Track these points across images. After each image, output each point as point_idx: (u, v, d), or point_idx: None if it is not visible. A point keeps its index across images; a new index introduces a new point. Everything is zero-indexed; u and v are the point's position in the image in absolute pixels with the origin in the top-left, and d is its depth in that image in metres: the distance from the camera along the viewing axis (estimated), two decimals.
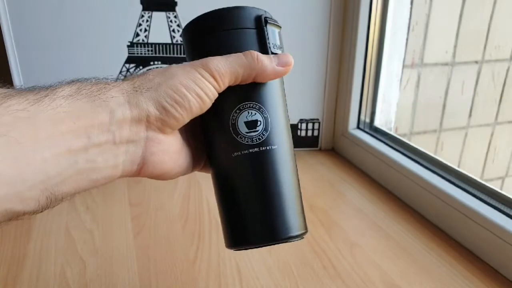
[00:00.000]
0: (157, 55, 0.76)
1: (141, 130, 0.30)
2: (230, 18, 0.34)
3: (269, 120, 0.33)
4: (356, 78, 0.79)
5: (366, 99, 0.82)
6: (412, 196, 0.65)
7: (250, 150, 0.33)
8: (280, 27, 0.37)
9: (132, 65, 0.76)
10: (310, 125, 0.86)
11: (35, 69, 0.74)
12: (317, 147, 0.88)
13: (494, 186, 0.57)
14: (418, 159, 0.68)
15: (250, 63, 0.32)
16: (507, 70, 1.04)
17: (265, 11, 0.36)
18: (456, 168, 0.63)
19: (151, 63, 0.77)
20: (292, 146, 0.36)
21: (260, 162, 0.33)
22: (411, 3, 0.82)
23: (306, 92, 0.83)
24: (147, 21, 0.74)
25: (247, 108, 0.33)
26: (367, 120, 0.83)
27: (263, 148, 0.33)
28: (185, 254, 0.53)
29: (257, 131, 0.33)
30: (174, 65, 0.32)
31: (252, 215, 0.33)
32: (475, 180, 0.59)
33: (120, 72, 0.76)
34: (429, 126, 1.02)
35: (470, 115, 1.05)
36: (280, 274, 0.49)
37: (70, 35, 0.73)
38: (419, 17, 0.91)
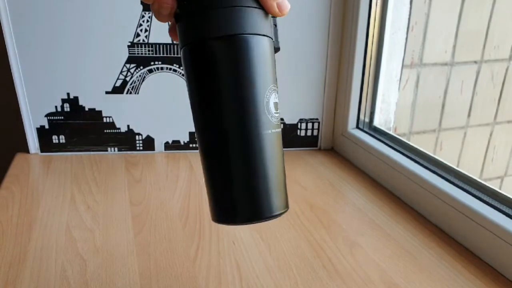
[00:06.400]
0: (158, 55, 0.76)
1: None
2: None
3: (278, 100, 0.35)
4: (356, 78, 0.80)
5: (365, 98, 0.82)
6: (412, 195, 0.65)
7: (273, 131, 0.34)
8: None
9: (132, 65, 0.76)
10: (309, 125, 0.86)
11: (35, 68, 0.74)
12: (316, 146, 0.88)
13: (493, 185, 0.57)
14: (418, 159, 0.68)
15: None
16: (506, 70, 1.05)
17: None
18: (456, 167, 0.63)
19: (152, 63, 0.77)
20: None
21: (275, 142, 0.35)
22: (411, 3, 0.82)
23: (305, 92, 0.83)
24: (147, 21, 0.74)
25: (274, 90, 0.34)
26: (367, 119, 0.84)
27: (279, 130, 0.35)
28: (185, 252, 0.53)
29: (279, 113, 0.35)
30: None
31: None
32: (474, 179, 0.59)
33: (121, 72, 0.76)
34: (428, 126, 1.03)
35: (469, 115, 1.06)
36: (280, 273, 0.50)
37: (71, 34, 0.73)
38: (419, 17, 0.91)
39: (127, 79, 0.77)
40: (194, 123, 0.36)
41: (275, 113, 0.34)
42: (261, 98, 0.34)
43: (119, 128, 0.80)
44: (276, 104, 0.34)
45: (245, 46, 0.33)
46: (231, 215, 0.35)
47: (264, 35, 0.34)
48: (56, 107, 0.77)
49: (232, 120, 0.34)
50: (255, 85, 0.33)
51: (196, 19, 0.33)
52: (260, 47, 0.34)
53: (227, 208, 0.35)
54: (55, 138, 0.79)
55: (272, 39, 0.35)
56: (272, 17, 0.35)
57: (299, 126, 0.86)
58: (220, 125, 0.34)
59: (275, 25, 0.36)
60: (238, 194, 0.34)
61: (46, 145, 0.80)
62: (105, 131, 0.80)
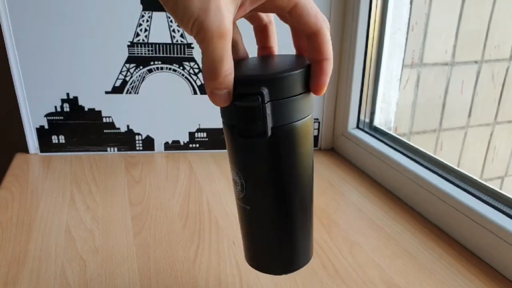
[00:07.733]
0: (158, 55, 0.76)
1: None
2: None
3: (244, 185, 0.37)
4: (356, 78, 0.80)
5: (365, 98, 0.82)
6: (412, 195, 0.65)
7: (237, 202, 0.39)
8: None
9: (132, 65, 0.76)
10: None
11: (35, 68, 0.74)
12: (316, 146, 0.88)
13: (493, 186, 0.57)
14: (418, 159, 0.68)
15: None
16: (507, 70, 1.05)
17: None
18: (456, 167, 0.63)
19: (151, 63, 0.77)
20: (288, 204, 0.37)
21: (243, 214, 0.39)
22: (411, 3, 0.82)
23: None
24: (147, 21, 0.74)
25: (233, 169, 0.37)
26: (367, 119, 0.83)
27: (242, 205, 0.38)
28: (185, 253, 0.53)
29: (238, 190, 0.38)
30: None
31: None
32: (474, 180, 0.59)
33: (120, 72, 0.76)
34: (428, 126, 1.03)
35: (469, 115, 1.05)
36: None
37: (71, 35, 0.73)
38: (419, 17, 0.91)
39: (127, 79, 0.77)
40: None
41: (236, 188, 0.38)
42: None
43: (118, 128, 0.80)
44: (234, 181, 0.37)
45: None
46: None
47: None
48: (55, 107, 0.77)
49: None
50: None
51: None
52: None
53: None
54: (54, 138, 0.79)
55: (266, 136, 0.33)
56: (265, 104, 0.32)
57: None
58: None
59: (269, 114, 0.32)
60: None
61: (45, 145, 0.80)
62: (104, 131, 0.80)
